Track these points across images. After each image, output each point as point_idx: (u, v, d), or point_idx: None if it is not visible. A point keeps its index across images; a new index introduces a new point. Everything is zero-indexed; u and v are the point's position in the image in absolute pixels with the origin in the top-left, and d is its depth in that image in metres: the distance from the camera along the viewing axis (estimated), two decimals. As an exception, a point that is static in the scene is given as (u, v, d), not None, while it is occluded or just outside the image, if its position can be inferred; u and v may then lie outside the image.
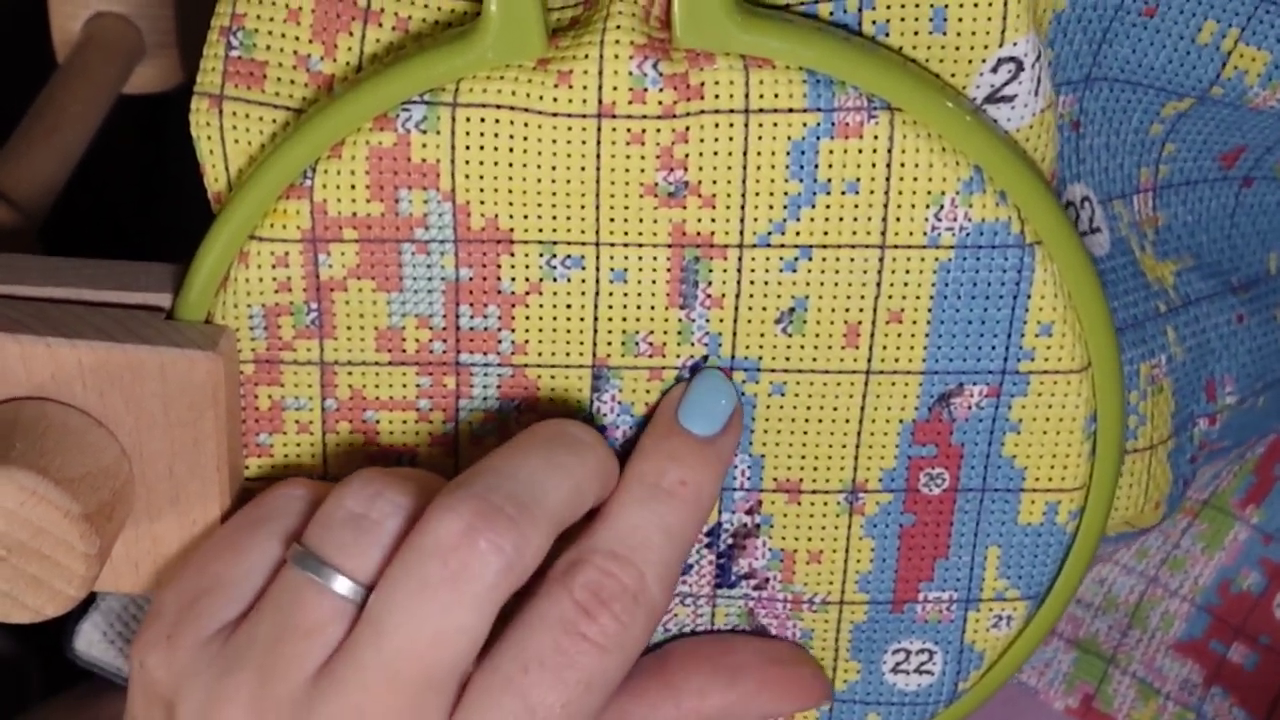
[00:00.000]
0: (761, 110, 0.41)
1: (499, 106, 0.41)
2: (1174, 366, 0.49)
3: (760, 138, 0.41)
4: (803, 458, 0.45)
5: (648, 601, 0.41)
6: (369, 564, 0.40)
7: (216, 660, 0.41)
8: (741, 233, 0.42)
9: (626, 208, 0.42)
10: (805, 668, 0.47)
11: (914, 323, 0.43)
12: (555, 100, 0.41)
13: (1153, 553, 0.59)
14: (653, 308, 0.43)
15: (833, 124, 0.41)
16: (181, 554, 0.45)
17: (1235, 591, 0.58)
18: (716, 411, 0.43)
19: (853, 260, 0.43)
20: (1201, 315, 0.50)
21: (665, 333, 0.44)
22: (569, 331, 0.44)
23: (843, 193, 0.42)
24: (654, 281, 0.43)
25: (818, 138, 0.41)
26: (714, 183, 0.42)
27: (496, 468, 0.41)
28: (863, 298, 0.43)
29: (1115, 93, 0.48)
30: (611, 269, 0.43)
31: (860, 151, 0.41)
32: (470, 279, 0.43)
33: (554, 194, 0.42)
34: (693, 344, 0.44)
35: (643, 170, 0.42)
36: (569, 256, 0.43)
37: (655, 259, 0.43)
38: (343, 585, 0.40)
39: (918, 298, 0.43)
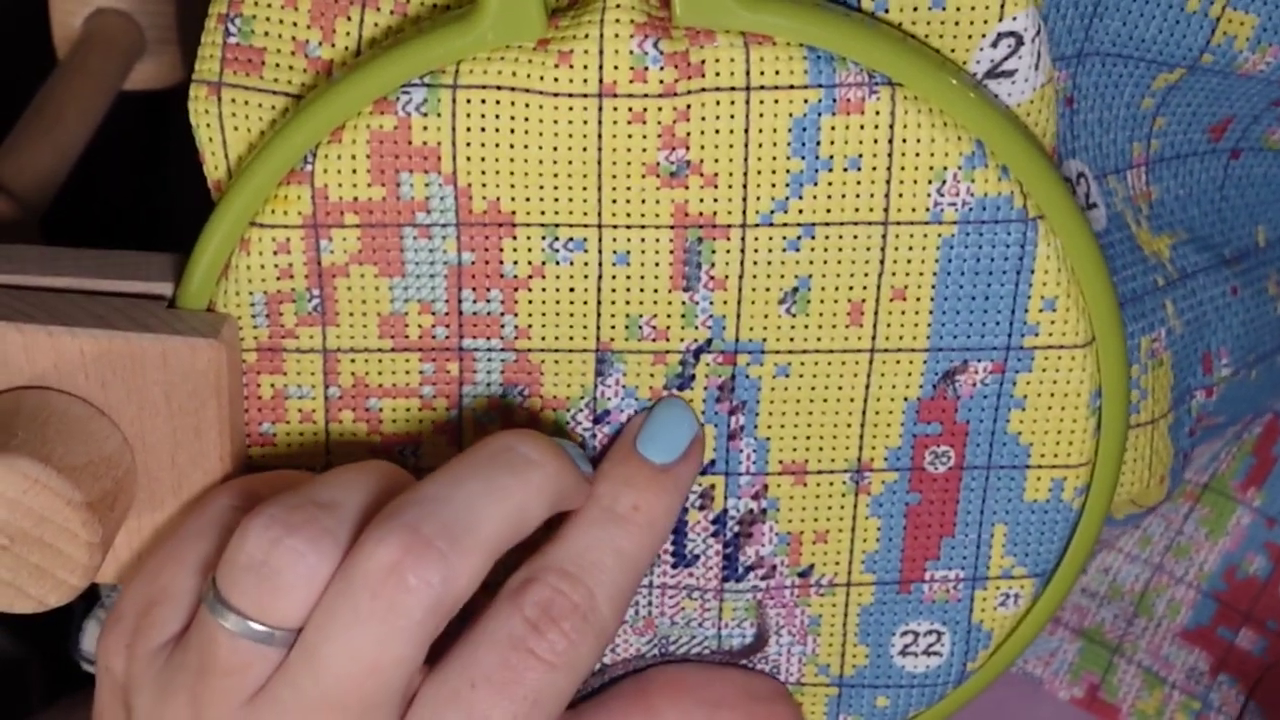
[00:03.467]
0: (763, 87, 0.41)
1: (499, 88, 0.41)
2: (1173, 340, 0.49)
3: (762, 115, 0.41)
4: (808, 439, 0.45)
5: (597, 621, 0.42)
6: (277, 612, 0.40)
7: (160, 675, 0.41)
8: (744, 212, 0.42)
9: (629, 188, 0.42)
10: (784, 705, 0.47)
11: (918, 299, 0.43)
12: (556, 80, 0.41)
13: (1156, 540, 0.59)
14: (656, 290, 0.43)
15: (834, 100, 0.41)
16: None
17: (1241, 577, 0.58)
18: (674, 441, 0.44)
19: (856, 237, 0.43)
20: (1199, 288, 0.50)
21: (669, 316, 0.43)
22: (572, 315, 0.44)
23: (845, 169, 0.42)
24: (657, 264, 0.43)
25: (819, 114, 0.41)
26: (716, 161, 0.42)
27: (431, 495, 0.40)
28: (866, 275, 0.43)
29: (1107, 67, 0.48)
30: (614, 251, 0.43)
31: (862, 128, 0.41)
32: (472, 263, 0.43)
33: (555, 175, 0.42)
34: (696, 327, 0.44)
35: (644, 150, 0.41)
36: (571, 239, 0.43)
37: (658, 240, 0.43)
38: (254, 630, 0.40)
39: (921, 274, 0.43)
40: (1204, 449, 0.56)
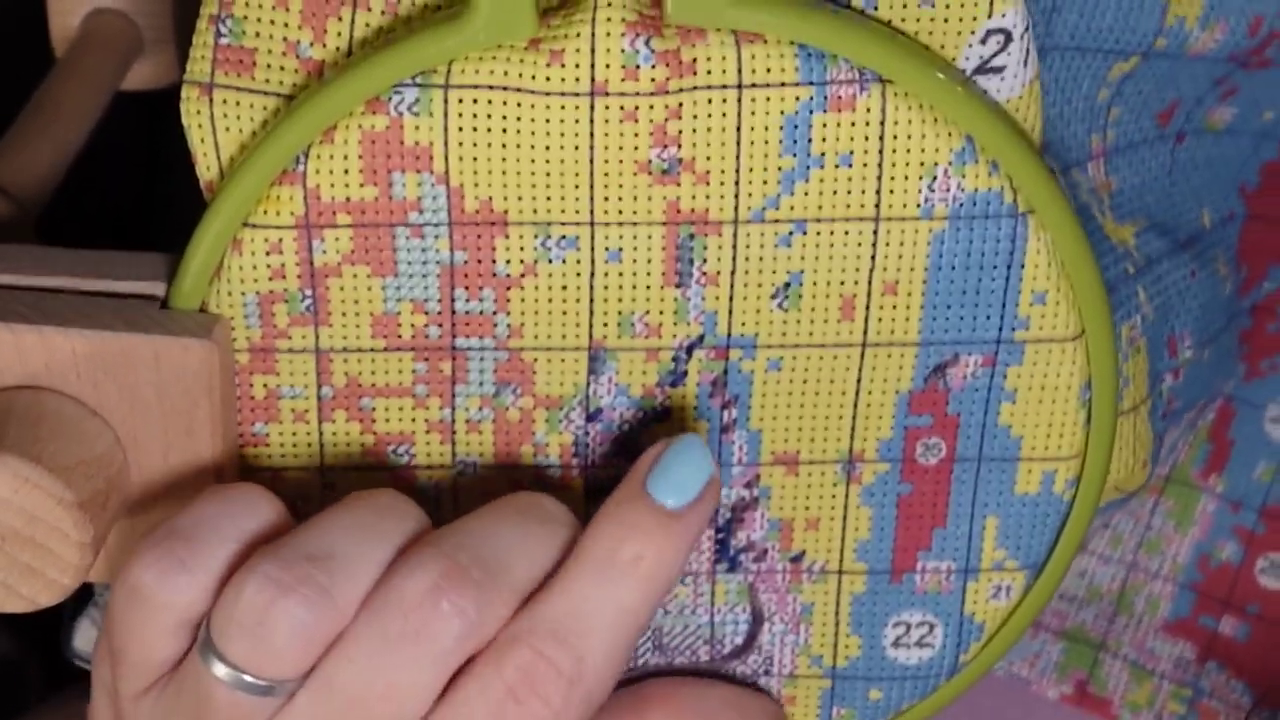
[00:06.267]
0: (754, 85, 0.41)
1: (491, 87, 0.41)
2: (1147, 326, 0.49)
3: (753, 112, 0.41)
4: (800, 430, 0.45)
5: (584, 687, 0.39)
6: (276, 668, 0.39)
7: (158, 704, 0.41)
8: (736, 208, 0.42)
9: (621, 186, 0.42)
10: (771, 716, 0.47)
11: (909, 294, 0.43)
12: (548, 79, 0.41)
13: (1127, 537, 0.59)
14: (648, 287, 0.43)
15: (825, 97, 0.41)
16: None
17: (1215, 565, 0.58)
18: (688, 482, 0.41)
19: (847, 233, 0.43)
20: (1163, 273, 0.50)
21: (661, 312, 0.44)
22: (565, 313, 0.44)
23: (836, 166, 0.42)
24: (649, 260, 0.43)
25: (810, 111, 0.41)
26: (708, 159, 0.42)
27: (469, 529, 0.40)
28: (858, 270, 0.43)
29: (1066, 61, 0.48)
30: (606, 249, 0.43)
31: (853, 124, 0.42)
32: (465, 262, 0.43)
33: (548, 174, 0.42)
34: (689, 323, 0.44)
35: (636, 148, 0.42)
36: (564, 237, 0.43)
37: (650, 237, 0.43)
38: (252, 684, 0.39)
39: (912, 269, 0.43)
40: (1164, 438, 0.57)
